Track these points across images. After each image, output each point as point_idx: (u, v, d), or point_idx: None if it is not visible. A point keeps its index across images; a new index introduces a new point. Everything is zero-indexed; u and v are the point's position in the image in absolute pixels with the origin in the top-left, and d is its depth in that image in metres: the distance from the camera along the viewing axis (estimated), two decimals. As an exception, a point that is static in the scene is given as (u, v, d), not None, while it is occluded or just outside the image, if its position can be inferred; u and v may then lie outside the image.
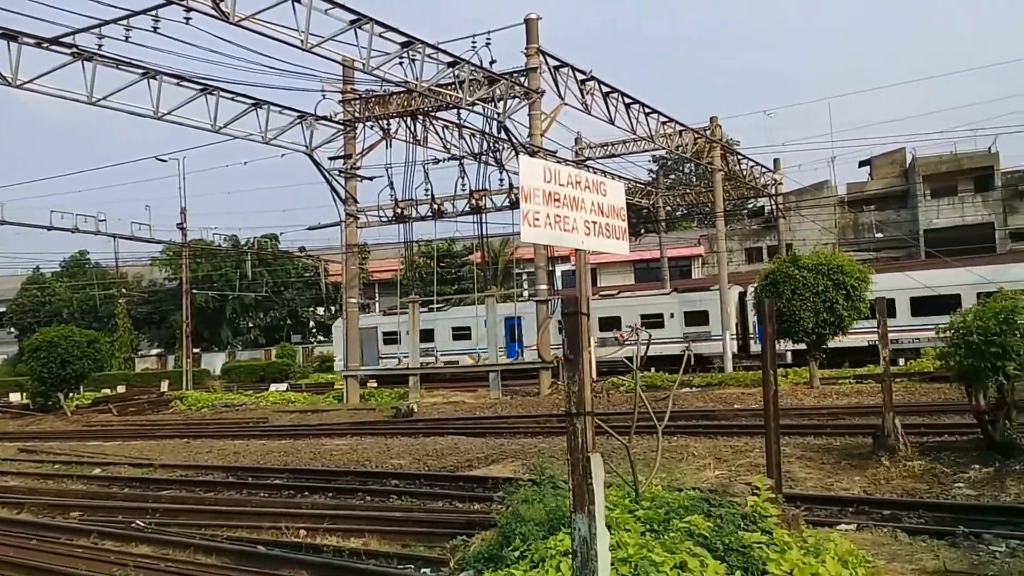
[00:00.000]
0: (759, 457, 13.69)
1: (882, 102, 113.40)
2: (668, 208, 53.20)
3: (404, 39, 24.01)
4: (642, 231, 61.39)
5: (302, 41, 21.66)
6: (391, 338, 41.16)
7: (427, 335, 39.14)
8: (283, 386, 43.95)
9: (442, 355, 39.12)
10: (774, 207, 47.32)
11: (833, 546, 7.70)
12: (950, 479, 12.70)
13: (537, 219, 5.68)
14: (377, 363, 39.99)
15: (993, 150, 54.41)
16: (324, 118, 31.50)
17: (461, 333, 40.35)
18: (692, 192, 53.34)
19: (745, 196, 49.73)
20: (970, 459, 13.39)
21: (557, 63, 28.41)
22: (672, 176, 73.34)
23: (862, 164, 61.10)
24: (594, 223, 6.26)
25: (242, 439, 25.00)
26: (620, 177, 40.32)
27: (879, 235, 55.43)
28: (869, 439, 14.85)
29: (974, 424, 14.24)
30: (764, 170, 43.17)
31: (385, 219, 34.64)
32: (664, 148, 36.03)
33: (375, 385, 38.06)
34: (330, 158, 33.65)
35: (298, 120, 30.55)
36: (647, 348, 8.72)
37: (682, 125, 34.25)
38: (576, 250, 6.50)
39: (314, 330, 71.07)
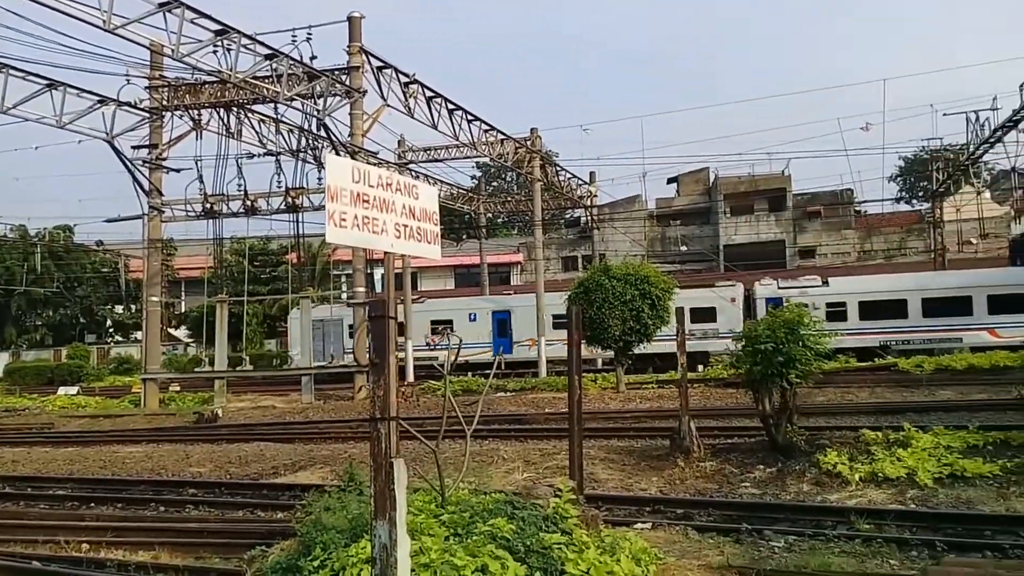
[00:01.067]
0: (566, 459, 14.06)
1: (690, 123, 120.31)
2: (489, 215, 53.91)
3: (218, 27, 22.95)
4: (464, 236, 61.89)
5: (104, 21, 20.23)
6: None
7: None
8: (73, 389, 40.81)
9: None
10: (589, 218, 49.01)
11: (628, 545, 8.01)
12: (738, 479, 13.56)
13: (344, 220, 5.54)
14: (344, 358, 36.79)
15: (786, 173, 59.07)
16: (128, 104, 29.59)
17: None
18: (513, 200, 54.35)
19: (563, 206, 51.20)
20: (756, 459, 14.34)
21: (380, 64, 28.10)
22: (495, 183, 74.47)
23: (670, 181, 64.67)
24: (405, 226, 6.18)
25: (23, 446, 22.99)
26: (443, 182, 40.50)
27: (684, 248, 58.74)
28: (667, 441, 15.60)
29: (761, 427, 15.26)
30: (581, 182, 44.63)
31: (193, 214, 32.97)
32: (486, 156, 36.46)
33: (178, 389, 36.10)
34: (133, 147, 31.64)
35: (98, 105, 28.51)
36: (457, 353, 8.73)
37: (503, 134, 34.79)
38: (386, 253, 6.40)
39: (111, 329, 66.50)
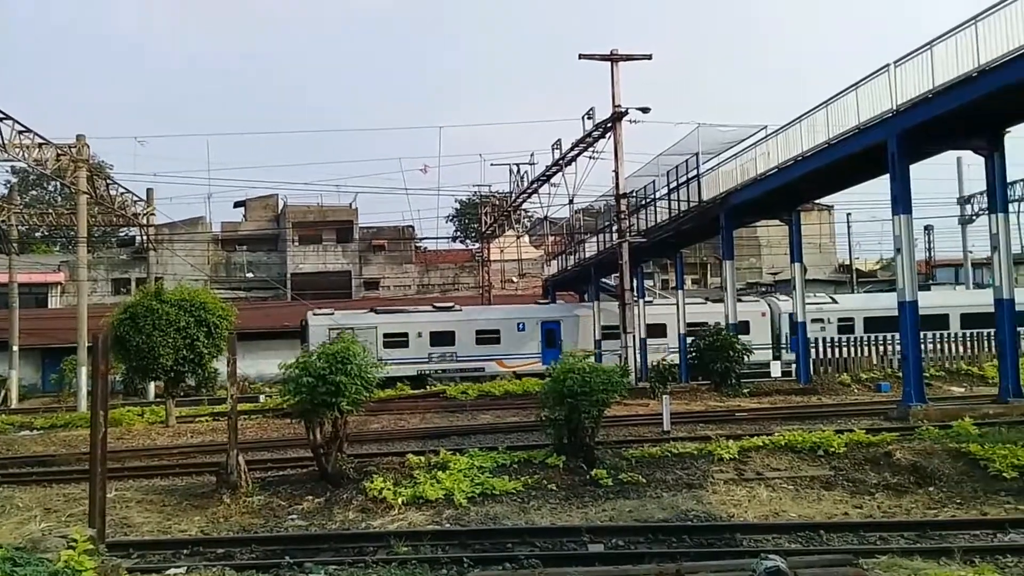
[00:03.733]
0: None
1: (258, 147, 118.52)
2: (24, 227, 47.47)
3: None
4: (-9, 251, 53.61)
5: None
6: (396, 340, 35.53)
7: (448, 338, 36.37)
8: None
9: (467, 360, 35.80)
10: (145, 238, 45.54)
11: (151, 594, 7.35)
12: (285, 512, 13.30)
13: None
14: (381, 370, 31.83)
15: (353, 206, 60.84)
16: None
17: (488, 337, 36.35)
18: (54, 213, 48.52)
19: (115, 223, 46.98)
20: (306, 490, 14.22)
21: None
22: (34, 192, 66.09)
23: (237, 204, 62.95)
24: None
25: None
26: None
27: (250, 275, 57.41)
28: (215, 477, 14.82)
29: (313, 457, 15.18)
30: (137, 199, 41.31)
31: None
32: (19, 160, 32.01)
33: None
34: None
35: None
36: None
37: (42, 138, 30.88)
38: None
39: None
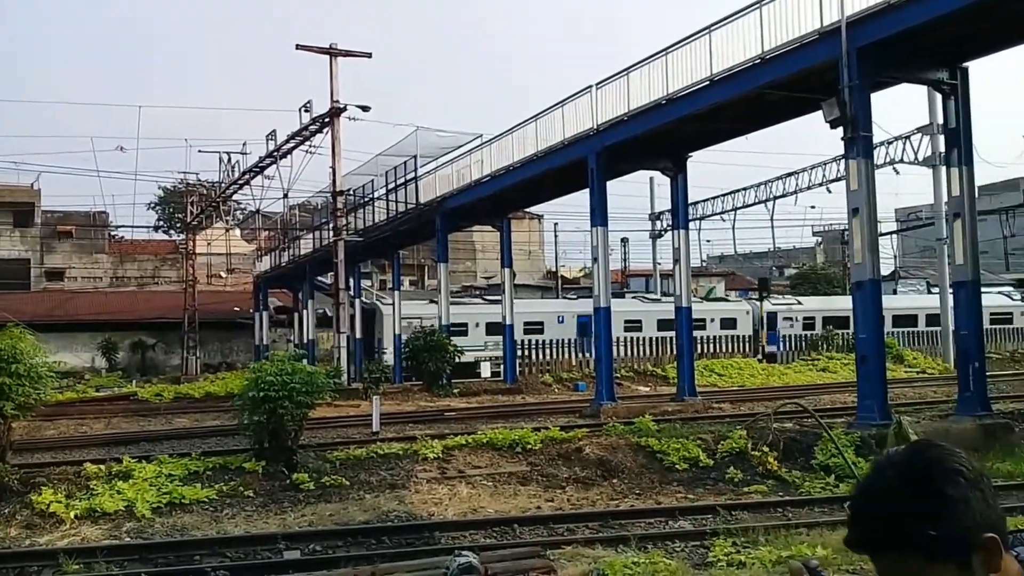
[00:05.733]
0: None
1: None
2: None
3: None
4: None
5: None
6: (457, 329, 33.55)
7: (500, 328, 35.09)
8: None
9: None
10: None
11: None
12: (-72, 533, 11.49)
13: None
14: None
15: (35, 187, 54.39)
16: None
17: (533, 328, 37.04)
18: None
19: None
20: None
21: None
22: None
23: None
24: None
25: None
26: None
27: None
28: None
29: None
30: None
31: None
32: None
33: None
34: None
35: None
36: None
37: None
38: None
39: None
